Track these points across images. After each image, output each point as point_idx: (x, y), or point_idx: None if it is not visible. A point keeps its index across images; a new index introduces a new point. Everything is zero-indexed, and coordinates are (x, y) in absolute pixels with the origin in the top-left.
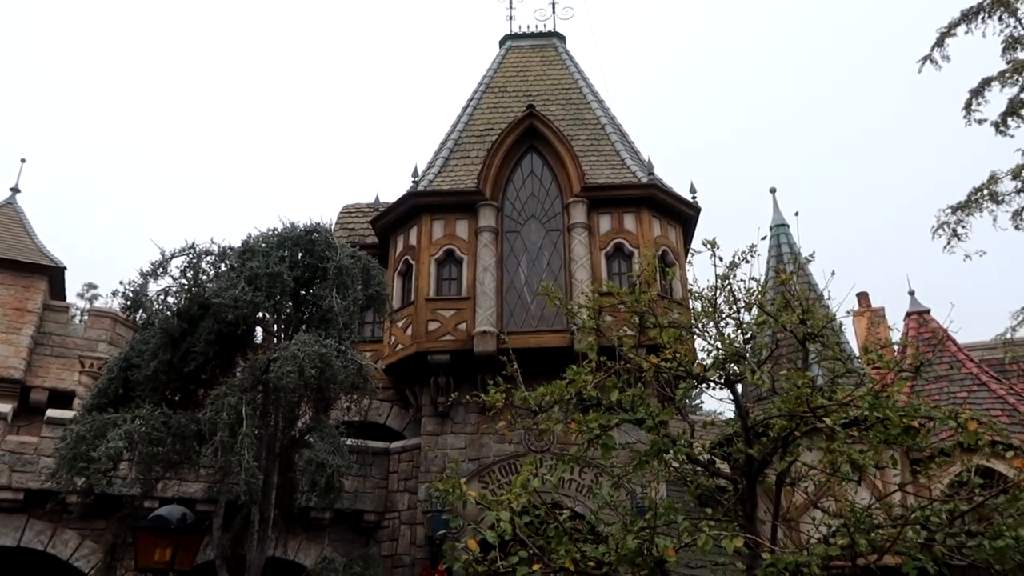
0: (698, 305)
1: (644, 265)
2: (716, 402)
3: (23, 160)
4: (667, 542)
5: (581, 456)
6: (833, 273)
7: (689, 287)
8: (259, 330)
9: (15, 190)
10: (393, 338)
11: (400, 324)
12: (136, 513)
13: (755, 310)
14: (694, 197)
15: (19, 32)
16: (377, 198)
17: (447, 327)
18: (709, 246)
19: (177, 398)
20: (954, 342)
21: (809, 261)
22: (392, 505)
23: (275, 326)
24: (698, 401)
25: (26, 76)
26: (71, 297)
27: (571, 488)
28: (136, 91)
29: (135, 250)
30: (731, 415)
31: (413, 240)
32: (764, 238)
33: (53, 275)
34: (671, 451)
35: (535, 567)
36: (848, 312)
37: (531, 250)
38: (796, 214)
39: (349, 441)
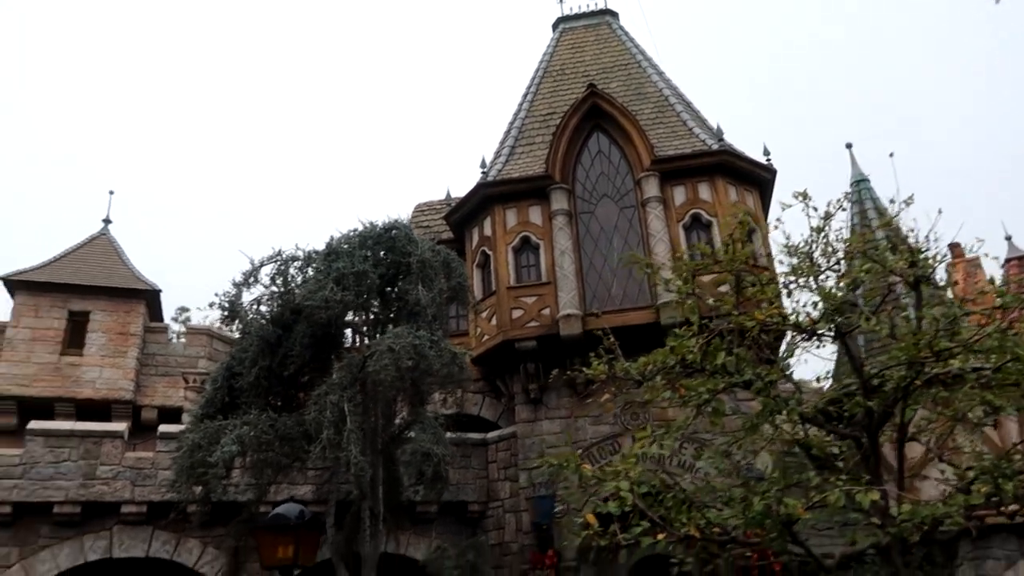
0: (788, 261)
1: (734, 224)
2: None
3: (111, 192)
4: (796, 501)
5: (689, 424)
6: (940, 211)
7: (786, 242)
8: (348, 331)
9: (107, 221)
10: (479, 329)
11: (484, 315)
12: (253, 517)
13: (855, 258)
14: (768, 159)
15: (83, 69)
16: (448, 193)
17: (531, 313)
18: (800, 198)
19: (279, 403)
20: None
21: (909, 204)
22: (494, 494)
23: (364, 326)
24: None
25: (106, 105)
26: (166, 321)
27: (672, 464)
28: (197, 105)
29: (217, 269)
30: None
31: (488, 231)
32: (846, 196)
33: (150, 298)
34: (784, 412)
35: (659, 536)
36: (943, 257)
37: (607, 229)
38: (891, 155)
39: (448, 433)
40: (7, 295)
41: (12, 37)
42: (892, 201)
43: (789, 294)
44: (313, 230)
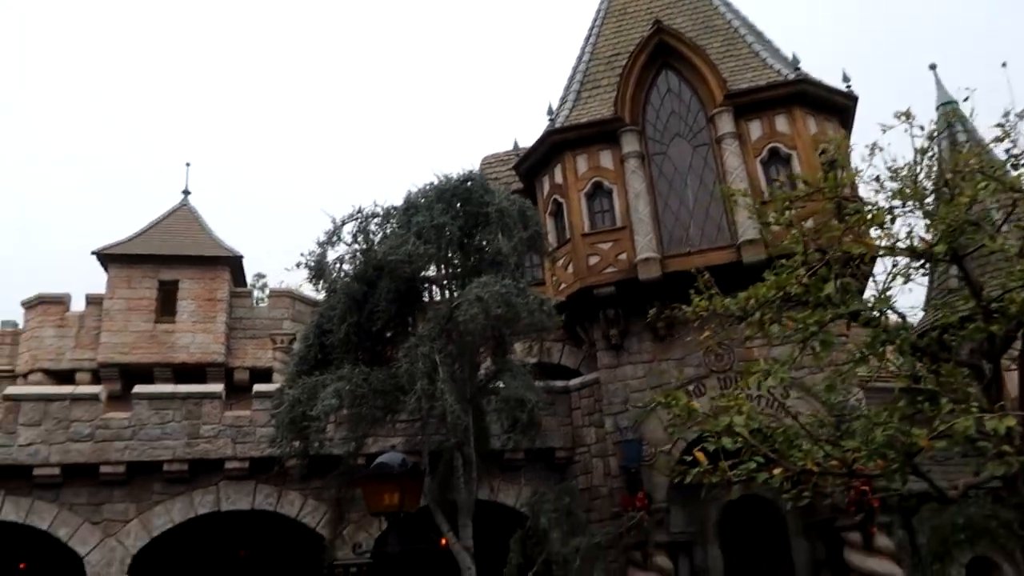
0: (890, 186)
1: (830, 150)
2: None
3: (188, 164)
4: (921, 431)
5: (796, 359)
6: None
7: (890, 165)
8: (429, 286)
9: (186, 192)
10: (555, 277)
11: (560, 263)
12: (351, 469)
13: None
14: (848, 86)
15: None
16: (516, 144)
17: (608, 259)
18: (903, 118)
19: (367, 358)
20: None
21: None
22: (580, 440)
23: (444, 279)
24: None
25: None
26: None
27: (760, 405)
28: (255, 69)
29: (283, 234)
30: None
31: (559, 178)
32: (942, 116)
33: (233, 264)
34: (896, 342)
35: (776, 472)
36: None
37: (681, 169)
38: (1004, 64)
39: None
40: (100, 270)
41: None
42: (1006, 114)
43: (893, 220)
44: (378, 190)
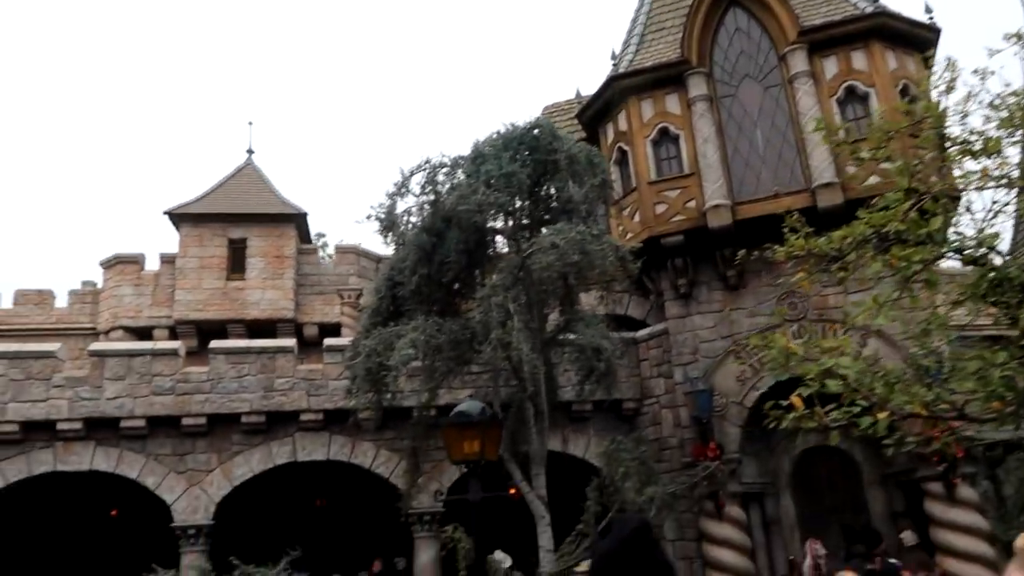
0: (995, 116)
1: (943, 79)
2: None
3: (250, 123)
4: None
5: (897, 298)
6: None
7: (1003, 91)
8: (498, 239)
9: (250, 151)
10: (621, 227)
11: (626, 212)
12: (425, 420)
13: None
14: (931, 18)
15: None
16: (578, 93)
17: (675, 207)
18: (1016, 39)
19: (438, 309)
20: None
21: None
22: (648, 392)
23: (515, 230)
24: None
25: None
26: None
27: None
28: (311, 28)
29: (345, 195)
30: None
31: (623, 125)
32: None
33: (298, 222)
34: (1007, 283)
35: (880, 416)
36: None
37: (751, 112)
38: None
39: None
40: (169, 230)
41: None
42: None
43: (1000, 150)
44: (438, 144)
